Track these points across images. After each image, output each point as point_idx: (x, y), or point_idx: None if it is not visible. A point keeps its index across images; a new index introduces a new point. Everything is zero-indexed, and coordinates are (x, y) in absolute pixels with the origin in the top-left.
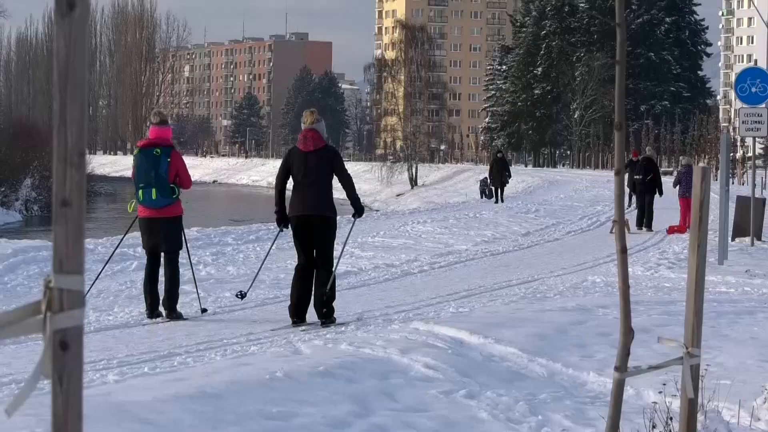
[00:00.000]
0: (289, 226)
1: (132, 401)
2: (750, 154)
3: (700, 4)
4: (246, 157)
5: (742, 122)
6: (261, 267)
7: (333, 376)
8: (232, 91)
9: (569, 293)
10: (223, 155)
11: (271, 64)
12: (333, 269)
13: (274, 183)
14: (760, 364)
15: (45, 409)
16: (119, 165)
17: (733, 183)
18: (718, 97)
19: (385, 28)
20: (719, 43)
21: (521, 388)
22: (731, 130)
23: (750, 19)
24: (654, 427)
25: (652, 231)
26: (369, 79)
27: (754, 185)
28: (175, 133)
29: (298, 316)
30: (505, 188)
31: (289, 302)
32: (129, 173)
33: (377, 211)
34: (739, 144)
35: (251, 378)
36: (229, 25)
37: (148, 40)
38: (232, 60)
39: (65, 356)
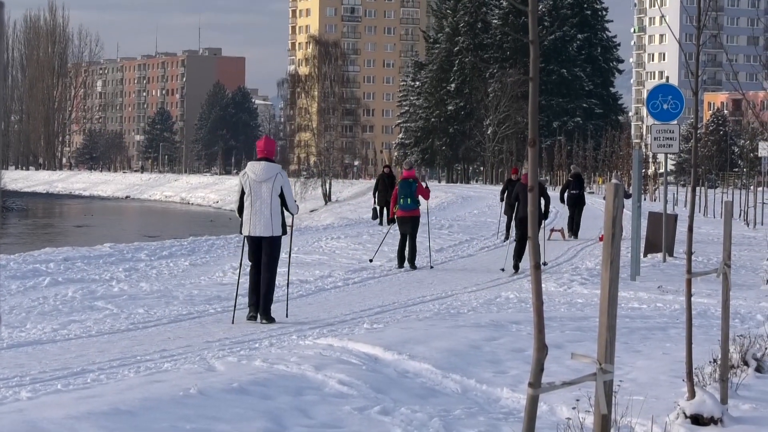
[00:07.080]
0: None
1: (45, 418)
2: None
3: (612, 21)
4: (159, 173)
5: (654, 139)
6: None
7: (247, 392)
8: (145, 106)
9: (483, 309)
10: (135, 171)
11: (184, 79)
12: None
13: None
14: (672, 380)
15: None
16: (32, 180)
17: (645, 199)
18: (630, 114)
19: (299, 43)
20: (631, 60)
21: (435, 404)
22: (643, 146)
23: (662, 36)
24: None
25: (577, 239)
26: (282, 94)
27: (666, 201)
28: (87, 149)
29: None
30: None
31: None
32: (41, 188)
33: (290, 226)
34: (651, 160)
35: (165, 395)
36: (141, 40)
37: (60, 55)
38: (144, 75)
39: None
